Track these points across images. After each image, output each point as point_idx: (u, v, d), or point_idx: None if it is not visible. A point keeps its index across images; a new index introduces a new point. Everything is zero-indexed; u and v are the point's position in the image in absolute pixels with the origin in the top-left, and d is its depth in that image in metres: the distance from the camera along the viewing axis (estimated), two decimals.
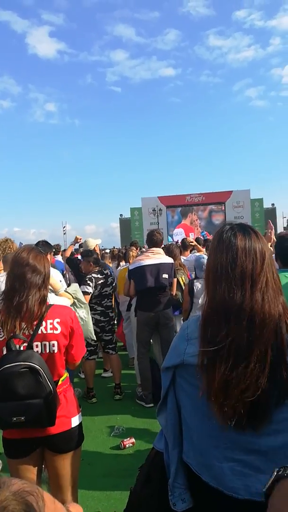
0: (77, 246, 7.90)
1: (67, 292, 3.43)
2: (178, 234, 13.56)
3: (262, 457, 1.11)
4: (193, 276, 5.09)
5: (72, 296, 3.54)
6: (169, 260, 4.67)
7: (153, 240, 4.77)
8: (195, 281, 4.63)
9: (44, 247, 4.20)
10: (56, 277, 4.06)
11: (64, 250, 8.37)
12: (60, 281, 4.16)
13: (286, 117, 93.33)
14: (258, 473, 1.11)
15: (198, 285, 4.59)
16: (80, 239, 6.20)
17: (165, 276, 4.52)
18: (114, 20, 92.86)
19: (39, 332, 1.84)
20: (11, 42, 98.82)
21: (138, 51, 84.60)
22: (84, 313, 3.85)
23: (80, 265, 5.33)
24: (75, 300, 3.66)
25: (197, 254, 6.16)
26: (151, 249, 4.75)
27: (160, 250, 4.75)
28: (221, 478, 1.14)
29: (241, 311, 1.10)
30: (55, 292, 3.04)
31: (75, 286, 3.95)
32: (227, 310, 1.11)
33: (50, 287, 2.81)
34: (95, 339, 4.39)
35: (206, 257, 4.99)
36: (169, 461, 1.28)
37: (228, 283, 1.13)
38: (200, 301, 4.52)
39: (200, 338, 1.17)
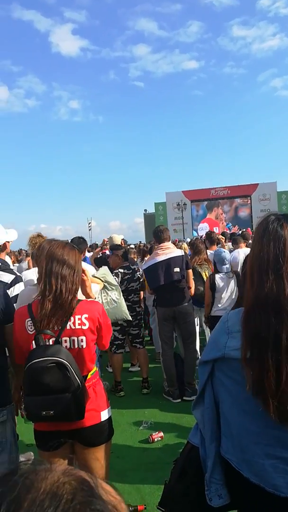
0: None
1: (95, 277, 3.41)
2: (203, 229, 13.43)
3: None
4: None
5: (102, 280, 3.54)
6: (179, 252, 4.61)
7: (160, 237, 4.72)
8: (216, 275, 4.58)
9: (79, 243, 4.26)
10: (90, 272, 4.11)
11: (90, 246, 8.45)
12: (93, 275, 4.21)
13: None
14: None
15: (218, 279, 4.54)
16: (106, 241, 6.23)
17: (177, 269, 4.47)
18: (135, 15, 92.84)
19: (68, 327, 1.85)
20: (35, 41, 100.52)
21: (161, 45, 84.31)
22: (116, 295, 3.86)
23: (108, 259, 5.35)
24: (105, 284, 3.66)
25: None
26: (160, 245, 4.70)
27: (169, 244, 4.72)
28: (262, 475, 1.11)
29: None
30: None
31: (104, 269, 3.93)
32: (277, 304, 1.07)
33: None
34: (130, 319, 4.39)
35: (226, 251, 4.95)
36: (206, 456, 1.27)
37: (277, 275, 1.09)
38: (223, 295, 4.48)
39: (244, 331, 1.14)
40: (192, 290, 4.78)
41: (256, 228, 1.21)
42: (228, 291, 4.55)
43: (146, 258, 6.88)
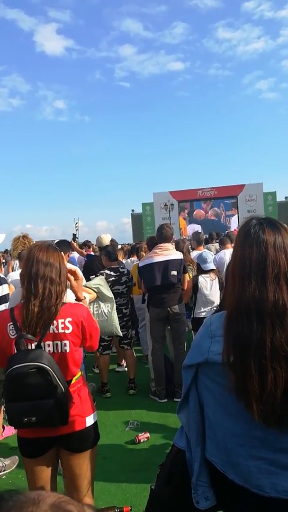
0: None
1: (87, 287, 3.34)
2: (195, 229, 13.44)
3: None
4: None
5: (95, 291, 3.45)
6: (179, 256, 4.61)
7: (163, 235, 4.72)
8: (199, 276, 4.61)
9: (62, 246, 4.23)
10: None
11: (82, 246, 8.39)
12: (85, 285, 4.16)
13: None
14: (286, 471, 1.10)
15: (202, 280, 4.57)
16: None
17: (174, 272, 4.48)
18: (121, 15, 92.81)
19: (51, 331, 1.83)
20: (19, 40, 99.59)
21: (146, 46, 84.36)
22: (108, 308, 3.77)
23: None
24: (99, 295, 3.56)
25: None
26: (159, 245, 4.69)
27: (169, 245, 4.69)
28: (247, 476, 1.13)
29: (278, 309, 1.07)
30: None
31: (99, 280, 3.82)
32: (259, 309, 1.08)
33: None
34: (121, 335, 4.36)
35: (208, 251, 4.98)
36: (192, 459, 1.27)
37: (259, 280, 1.09)
38: (207, 297, 4.51)
39: (226, 336, 1.14)
40: (187, 297, 4.77)
41: (238, 232, 1.22)
42: (211, 293, 4.58)
43: (134, 258, 6.90)
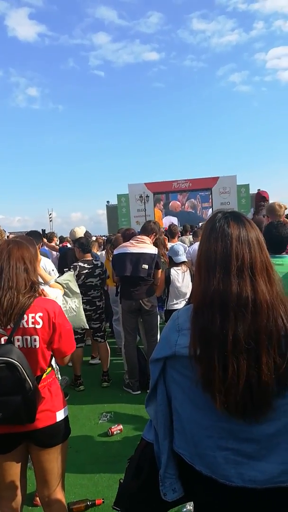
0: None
1: (58, 283, 3.34)
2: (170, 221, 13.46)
3: (255, 445, 1.12)
4: None
5: (63, 287, 3.45)
6: (153, 250, 4.59)
7: (144, 226, 4.76)
8: (171, 269, 4.64)
9: (33, 236, 4.15)
10: (48, 267, 4.01)
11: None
12: (53, 270, 4.10)
13: (270, 103, 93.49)
14: (251, 460, 1.11)
15: (174, 273, 4.60)
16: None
17: (145, 266, 4.47)
18: (95, 2, 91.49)
19: (21, 326, 1.80)
20: None
21: (121, 34, 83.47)
22: (76, 303, 3.78)
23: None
24: (67, 290, 3.57)
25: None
26: (137, 236, 4.71)
27: (146, 238, 4.68)
28: (214, 466, 1.14)
29: (241, 302, 1.08)
30: (45, 283, 2.97)
31: (68, 275, 3.83)
32: (223, 301, 1.09)
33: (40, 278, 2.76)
34: (88, 327, 4.35)
35: (180, 244, 5.01)
36: (160, 452, 1.28)
37: (223, 273, 1.10)
38: (178, 289, 4.55)
39: (192, 329, 1.15)
40: (160, 290, 4.78)
41: (204, 225, 1.23)
42: (183, 285, 4.61)
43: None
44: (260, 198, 5.95)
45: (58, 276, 3.86)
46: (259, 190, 6.13)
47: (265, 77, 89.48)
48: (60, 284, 3.15)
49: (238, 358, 1.06)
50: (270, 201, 5.82)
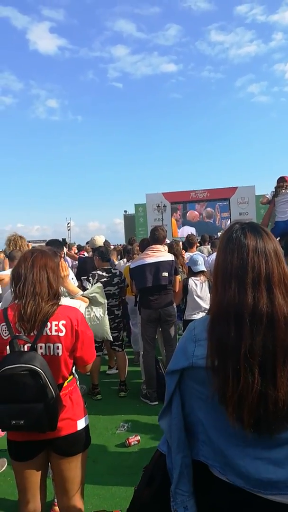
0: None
1: (84, 296, 3.33)
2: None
3: (285, 450, 1.09)
4: None
5: (89, 298, 3.43)
6: (170, 257, 4.62)
7: (155, 236, 4.73)
8: (189, 279, 4.62)
9: (54, 246, 4.20)
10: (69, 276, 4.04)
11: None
12: (72, 278, 4.13)
13: None
14: (283, 468, 1.09)
15: (192, 283, 4.58)
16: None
17: (165, 274, 4.49)
18: (114, 16, 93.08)
19: (44, 333, 1.81)
20: (12, 38, 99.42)
21: (139, 47, 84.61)
22: (100, 312, 3.77)
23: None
24: (92, 300, 3.55)
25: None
26: (151, 246, 4.70)
27: (160, 247, 4.70)
28: (246, 476, 1.12)
29: (257, 314, 1.07)
30: (72, 295, 2.96)
31: (96, 287, 3.81)
32: (238, 313, 1.08)
33: (65, 289, 2.78)
34: (111, 339, 4.34)
35: (199, 254, 4.97)
36: (172, 466, 1.26)
37: (239, 285, 1.10)
38: (196, 299, 4.52)
39: (209, 339, 1.14)
40: (178, 299, 4.77)
41: (221, 236, 1.23)
42: (202, 295, 4.58)
43: (125, 260, 6.89)
44: (281, 180, 5.69)
45: (78, 285, 3.88)
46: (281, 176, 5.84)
47: (284, 88, 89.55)
48: (87, 297, 3.13)
49: (252, 371, 1.05)
50: None
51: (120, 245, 15.53)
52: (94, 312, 3.61)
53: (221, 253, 1.17)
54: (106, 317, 3.82)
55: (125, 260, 6.96)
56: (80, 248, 9.60)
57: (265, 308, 1.07)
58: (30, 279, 1.83)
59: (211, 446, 1.20)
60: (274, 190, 5.77)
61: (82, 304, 2.06)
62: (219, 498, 1.20)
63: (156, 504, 1.31)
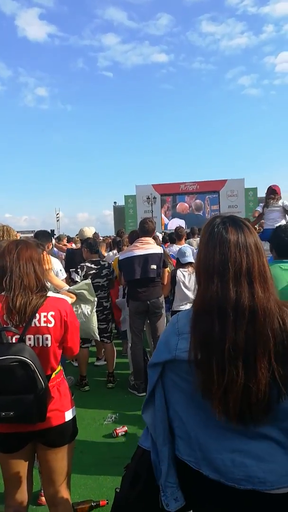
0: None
1: (70, 292, 3.29)
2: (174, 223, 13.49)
3: (262, 445, 1.11)
4: None
5: (76, 295, 3.38)
6: (159, 250, 4.62)
7: (144, 229, 4.72)
8: (177, 270, 4.65)
9: (42, 237, 4.15)
10: (56, 267, 3.99)
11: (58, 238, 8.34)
12: (60, 270, 4.10)
13: (280, 106, 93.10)
14: (259, 461, 1.10)
15: (180, 274, 4.60)
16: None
17: (154, 266, 4.49)
18: (104, 3, 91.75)
19: (33, 325, 1.80)
20: (0, 24, 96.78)
21: (130, 36, 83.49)
22: (88, 310, 3.71)
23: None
24: (80, 297, 3.50)
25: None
26: (140, 239, 4.69)
27: (150, 239, 4.69)
28: (222, 470, 1.12)
29: (239, 308, 1.08)
30: (58, 290, 2.93)
31: (84, 284, 3.77)
32: (221, 307, 1.09)
33: (51, 284, 2.75)
34: (99, 339, 4.31)
35: (187, 246, 4.99)
36: (159, 460, 1.26)
37: (221, 279, 1.10)
38: (184, 290, 4.54)
39: (192, 333, 1.15)
40: (166, 290, 4.79)
41: (203, 231, 1.22)
42: (189, 286, 4.61)
43: (115, 251, 6.87)
44: (271, 191, 5.92)
45: (66, 277, 3.82)
46: (271, 185, 6.07)
47: (274, 81, 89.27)
48: (73, 293, 3.07)
49: (236, 365, 1.06)
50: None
51: (109, 236, 15.49)
52: (81, 309, 3.56)
53: (203, 247, 1.18)
54: (95, 315, 3.77)
55: (114, 251, 6.94)
56: (69, 239, 9.54)
57: (247, 302, 1.08)
58: (17, 272, 1.82)
59: (187, 441, 1.20)
60: (264, 201, 6.01)
61: (68, 300, 2.04)
62: (197, 489, 1.21)
63: (141, 503, 1.30)
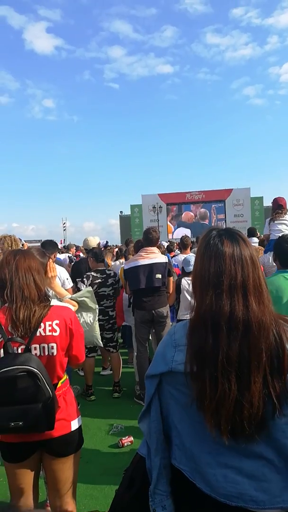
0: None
1: (72, 299, 3.30)
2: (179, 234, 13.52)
3: (256, 463, 1.09)
4: None
5: (78, 302, 3.39)
6: (163, 259, 4.64)
7: (148, 239, 4.74)
8: (182, 279, 4.67)
9: (48, 246, 4.19)
10: (63, 275, 4.01)
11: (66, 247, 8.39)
12: (67, 278, 4.12)
13: (285, 116, 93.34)
14: (252, 480, 1.09)
15: (185, 283, 4.62)
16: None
17: (158, 276, 4.51)
18: (110, 17, 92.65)
19: (38, 334, 1.81)
20: (8, 38, 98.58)
21: (135, 48, 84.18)
22: (90, 318, 3.72)
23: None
24: (82, 305, 3.51)
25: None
26: (144, 248, 4.71)
27: (154, 249, 4.72)
28: (214, 484, 1.12)
29: (233, 322, 1.07)
30: (59, 298, 2.94)
31: (86, 291, 3.78)
32: (214, 320, 1.09)
33: (54, 292, 2.77)
34: (102, 345, 4.32)
35: (193, 255, 5.01)
36: (151, 467, 1.27)
37: (216, 292, 1.10)
38: (189, 299, 4.54)
39: (189, 345, 1.14)
40: (172, 299, 4.80)
41: (199, 243, 1.23)
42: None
43: (122, 260, 6.89)
44: (277, 205, 5.91)
45: (73, 287, 3.84)
46: (276, 197, 6.06)
47: (279, 91, 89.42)
48: (75, 300, 3.09)
49: (229, 378, 1.06)
50: None
51: (115, 245, 15.55)
52: (84, 318, 3.57)
53: (199, 260, 1.18)
54: (97, 323, 3.77)
55: (121, 260, 6.97)
56: (76, 248, 9.61)
57: (241, 315, 1.07)
58: (17, 283, 1.81)
59: (183, 451, 1.20)
60: (270, 215, 6.07)
61: (71, 308, 2.05)
62: (192, 499, 1.21)
63: (135, 506, 1.32)
